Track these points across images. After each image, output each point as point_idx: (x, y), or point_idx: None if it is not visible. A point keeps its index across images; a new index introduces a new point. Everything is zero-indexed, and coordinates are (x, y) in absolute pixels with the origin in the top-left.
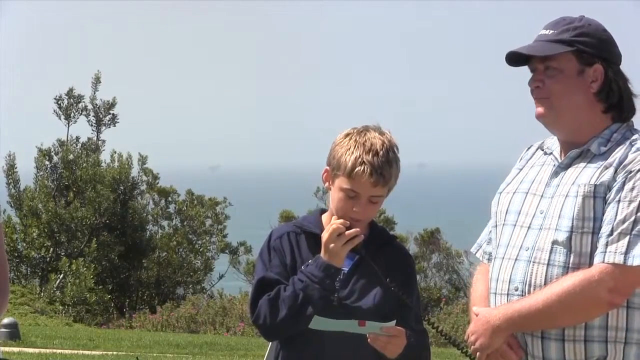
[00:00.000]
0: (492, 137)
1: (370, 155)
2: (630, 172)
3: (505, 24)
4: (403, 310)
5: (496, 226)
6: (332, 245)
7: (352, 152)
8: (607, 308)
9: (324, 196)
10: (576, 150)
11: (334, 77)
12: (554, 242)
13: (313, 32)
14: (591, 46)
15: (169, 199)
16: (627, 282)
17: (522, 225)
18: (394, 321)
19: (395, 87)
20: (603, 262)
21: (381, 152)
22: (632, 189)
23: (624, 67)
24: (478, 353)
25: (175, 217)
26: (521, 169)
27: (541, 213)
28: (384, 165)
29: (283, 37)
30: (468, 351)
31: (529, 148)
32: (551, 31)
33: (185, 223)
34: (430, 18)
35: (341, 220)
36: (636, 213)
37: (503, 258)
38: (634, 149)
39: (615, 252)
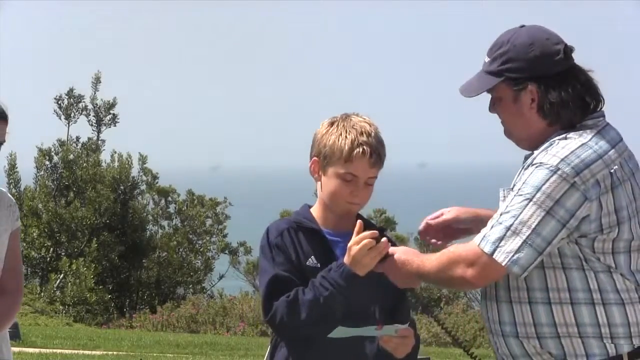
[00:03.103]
0: (492, 137)
1: (365, 137)
2: (525, 168)
3: (506, 23)
4: (400, 303)
5: None
6: (362, 258)
7: (346, 137)
8: (461, 286)
9: None
10: (526, 154)
11: (335, 76)
12: None
13: (315, 32)
14: (518, 70)
15: (169, 198)
16: (478, 266)
17: None
18: (407, 324)
19: (396, 87)
20: (472, 241)
21: (373, 134)
22: (518, 181)
23: (622, 66)
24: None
25: (176, 217)
26: None
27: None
28: (379, 145)
29: (286, 37)
30: (470, 350)
31: None
32: (488, 59)
33: (185, 223)
34: (431, 17)
35: (370, 233)
36: (509, 203)
37: None
38: (547, 146)
39: (479, 235)
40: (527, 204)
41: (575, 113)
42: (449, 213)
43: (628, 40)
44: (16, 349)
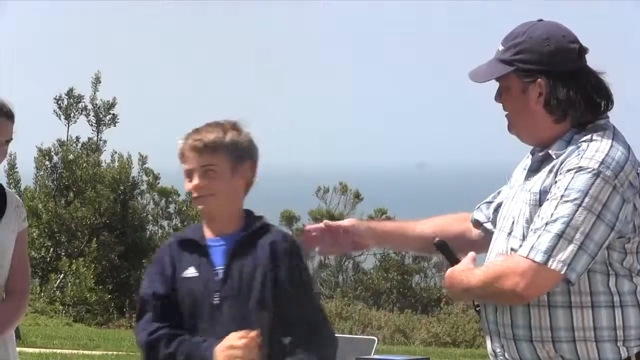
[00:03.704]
0: (492, 137)
1: (190, 133)
2: (561, 172)
3: (506, 23)
4: (282, 294)
5: None
6: (236, 351)
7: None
8: (513, 300)
9: (324, 196)
10: (539, 155)
11: (335, 76)
12: (512, 249)
13: (315, 32)
14: (530, 62)
15: (169, 199)
16: (531, 277)
17: (501, 229)
18: None
19: (395, 87)
20: (517, 254)
21: (202, 127)
22: (558, 188)
23: (622, 66)
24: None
25: (176, 217)
26: (519, 172)
27: (512, 218)
28: (201, 132)
29: (285, 36)
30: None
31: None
32: (501, 47)
33: (185, 223)
34: (431, 17)
35: (256, 333)
36: (553, 210)
37: (485, 261)
38: (576, 149)
39: (526, 246)
40: (577, 210)
41: (582, 113)
42: (346, 221)
43: (628, 40)
44: (16, 349)
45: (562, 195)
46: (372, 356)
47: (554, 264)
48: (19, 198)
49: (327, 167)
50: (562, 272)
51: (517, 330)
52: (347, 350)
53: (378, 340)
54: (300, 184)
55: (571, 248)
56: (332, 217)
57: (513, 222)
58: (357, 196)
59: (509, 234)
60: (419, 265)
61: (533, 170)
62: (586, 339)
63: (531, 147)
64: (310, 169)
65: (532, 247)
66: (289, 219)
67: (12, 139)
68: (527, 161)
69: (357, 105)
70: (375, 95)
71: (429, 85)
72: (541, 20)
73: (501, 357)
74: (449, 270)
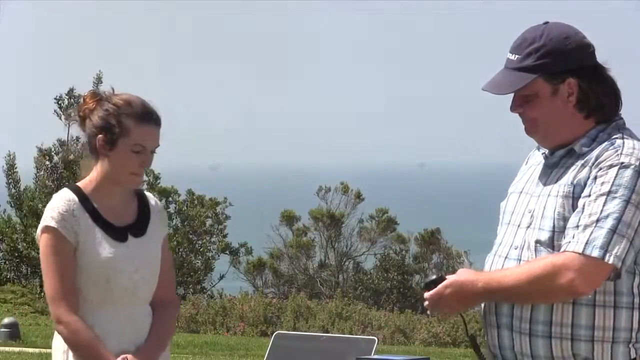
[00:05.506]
0: (492, 137)
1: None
2: (601, 168)
3: (505, 22)
4: None
5: (499, 226)
6: None
7: None
8: (568, 296)
9: (325, 196)
10: (562, 150)
11: (335, 75)
12: (537, 242)
13: (312, 31)
14: (556, 64)
15: (170, 198)
16: (587, 272)
17: (514, 224)
18: None
19: (394, 86)
20: (567, 250)
21: None
22: (602, 184)
23: (619, 65)
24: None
25: (176, 217)
26: (527, 169)
27: (529, 212)
28: None
29: (283, 37)
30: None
31: (536, 149)
32: (516, 56)
33: (185, 223)
34: (428, 16)
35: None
36: (602, 206)
37: (495, 255)
38: (611, 146)
39: (578, 242)
40: (626, 206)
41: (610, 107)
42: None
43: (628, 40)
44: (16, 349)
45: (609, 192)
46: (372, 356)
47: (610, 259)
48: (159, 201)
49: (328, 166)
50: (618, 267)
51: (535, 326)
52: (347, 350)
53: (378, 340)
54: (300, 183)
55: (624, 243)
56: (332, 217)
57: (532, 216)
58: (358, 196)
59: (528, 227)
60: (419, 265)
61: (552, 166)
62: (604, 340)
63: (531, 151)
64: (310, 169)
65: (587, 242)
66: (290, 218)
67: (159, 145)
68: (537, 159)
69: (356, 104)
70: (374, 95)
71: (429, 85)
72: (547, 22)
73: (509, 351)
74: (449, 282)
